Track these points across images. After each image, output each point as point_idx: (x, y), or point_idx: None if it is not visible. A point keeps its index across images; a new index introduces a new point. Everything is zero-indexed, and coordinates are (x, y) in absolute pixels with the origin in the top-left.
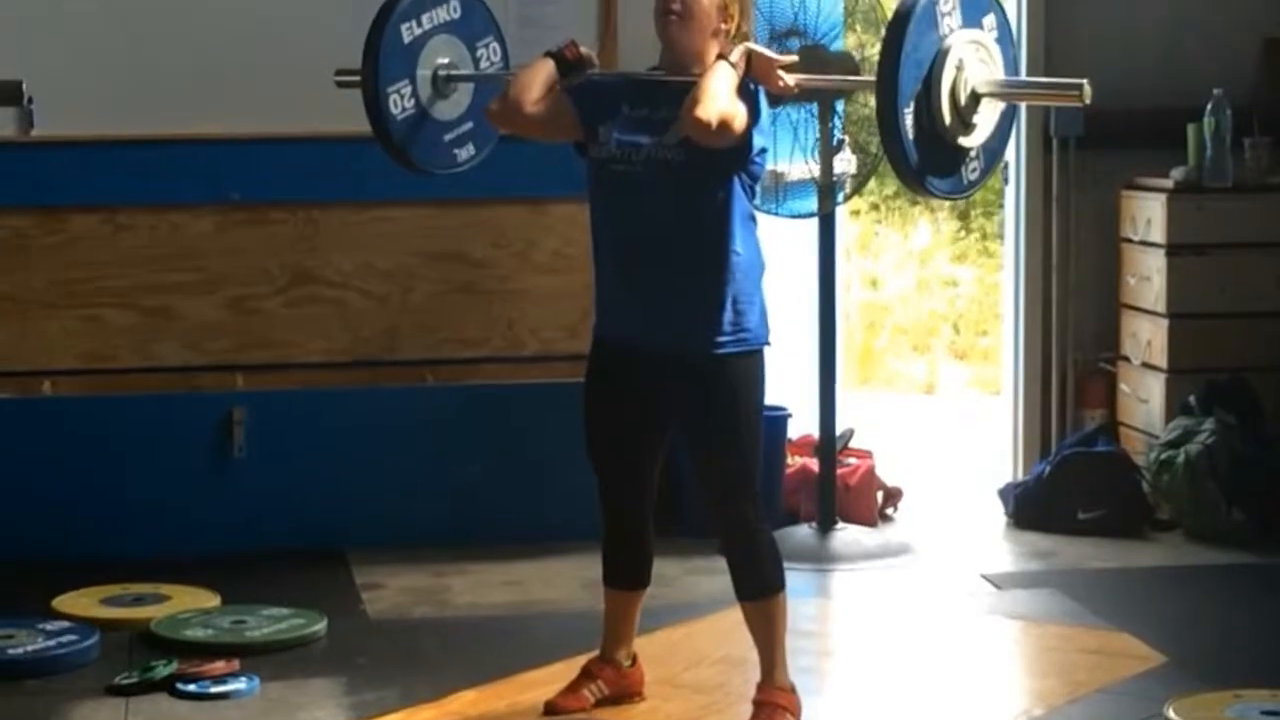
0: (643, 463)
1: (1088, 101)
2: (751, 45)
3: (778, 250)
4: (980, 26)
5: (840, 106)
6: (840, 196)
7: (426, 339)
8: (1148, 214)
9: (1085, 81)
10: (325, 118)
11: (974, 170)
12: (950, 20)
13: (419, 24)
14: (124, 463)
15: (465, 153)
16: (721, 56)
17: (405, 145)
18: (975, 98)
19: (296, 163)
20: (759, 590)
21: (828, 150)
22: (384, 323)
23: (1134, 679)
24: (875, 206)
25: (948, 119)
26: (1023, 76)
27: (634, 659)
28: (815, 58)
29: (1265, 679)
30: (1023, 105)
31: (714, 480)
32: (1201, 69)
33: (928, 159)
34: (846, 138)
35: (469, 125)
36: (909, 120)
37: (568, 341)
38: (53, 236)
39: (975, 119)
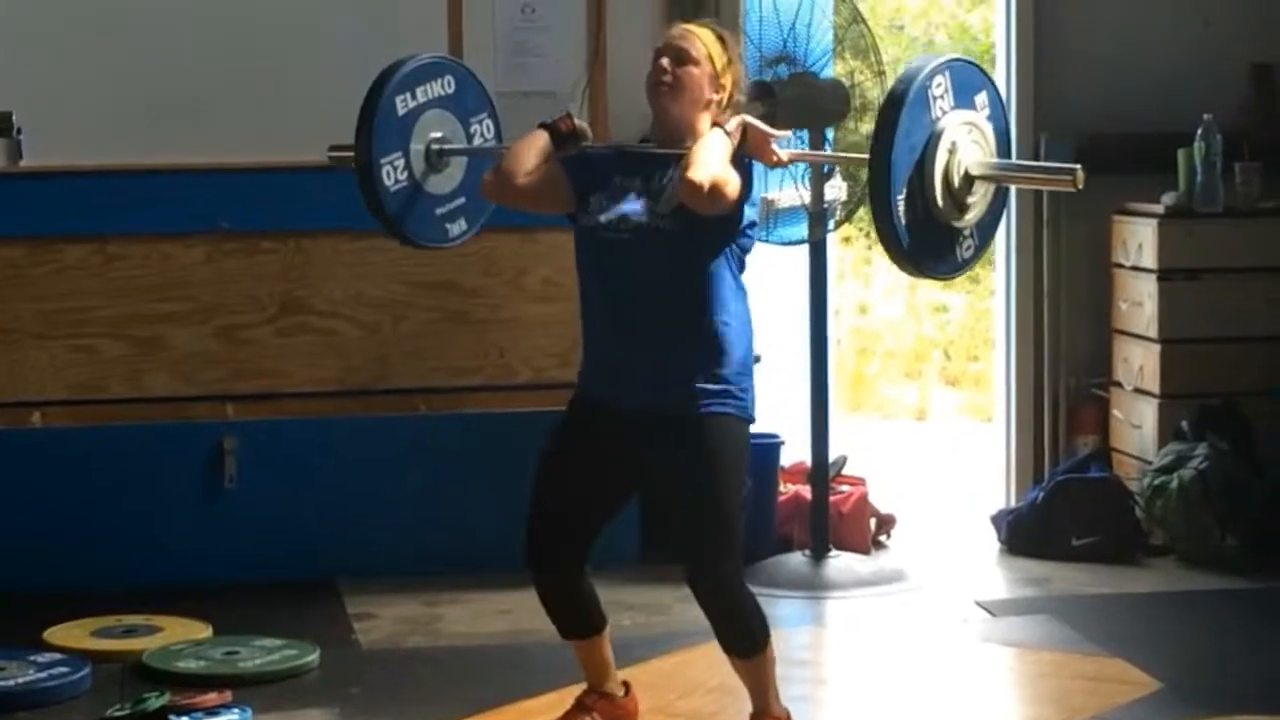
0: (592, 522)
1: (1080, 188)
2: (747, 118)
3: (769, 277)
4: (973, 105)
5: (831, 135)
6: (831, 224)
7: (418, 368)
8: (1139, 239)
9: (1079, 167)
10: (315, 148)
11: (968, 249)
12: (943, 103)
13: (413, 97)
14: (115, 493)
15: (457, 228)
16: (717, 125)
17: (397, 218)
18: (969, 179)
19: (286, 192)
20: (744, 649)
21: (819, 178)
22: (375, 352)
23: (1129, 705)
24: (866, 233)
25: (940, 202)
26: (1014, 159)
27: (627, 688)
28: (804, 85)
29: (1260, 705)
30: (1013, 126)
31: (692, 539)
32: (1191, 95)
33: (921, 242)
34: (837, 166)
35: (461, 200)
36: (902, 207)
37: (559, 369)
38: (43, 267)
39: (969, 200)
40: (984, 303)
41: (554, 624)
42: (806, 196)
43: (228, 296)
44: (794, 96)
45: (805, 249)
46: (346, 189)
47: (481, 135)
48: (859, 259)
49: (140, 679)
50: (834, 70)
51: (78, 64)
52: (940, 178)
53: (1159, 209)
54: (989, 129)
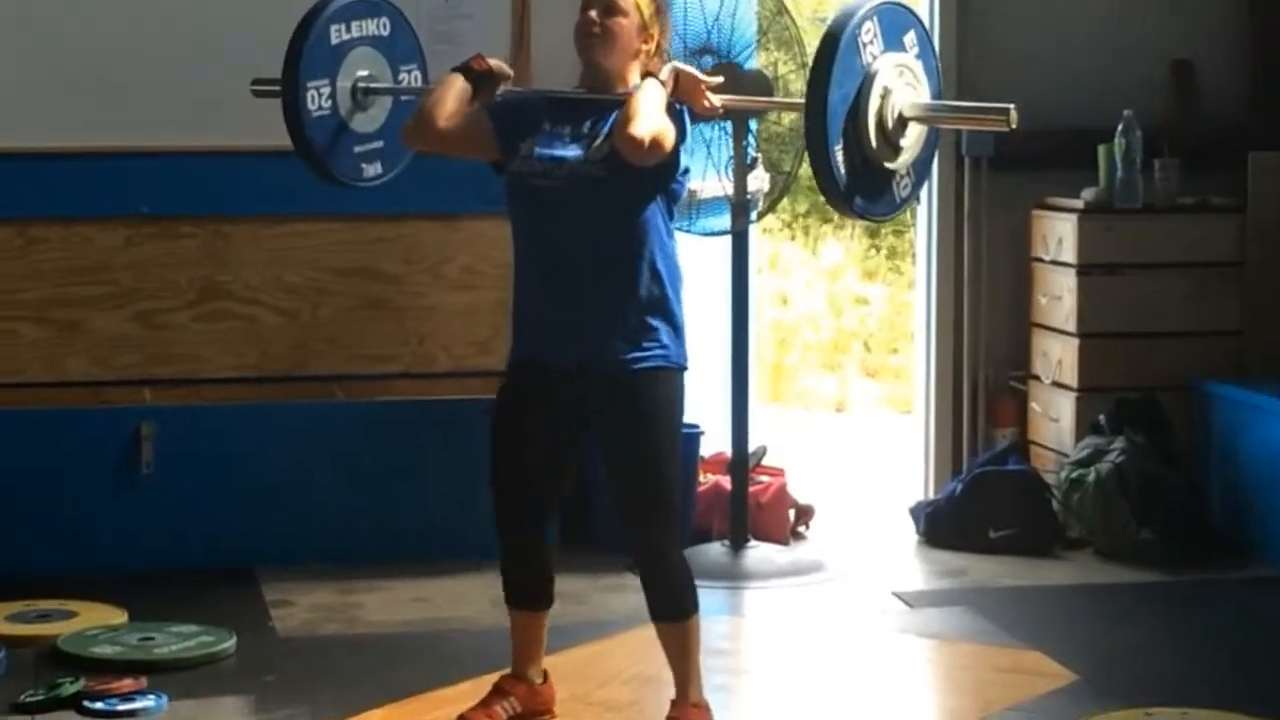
0: (551, 481)
1: (1014, 126)
2: (679, 65)
3: (690, 268)
4: (902, 46)
5: (754, 125)
6: (753, 214)
7: (337, 355)
8: (1059, 234)
9: (1011, 106)
10: (237, 132)
11: (905, 187)
12: (872, 48)
13: (348, 29)
14: (31, 478)
15: (372, 169)
16: (650, 74)
17: (316, 145)
18: (902, 121)
19: (207, 177)
20: (673, 612)
21: (741, 168)
22: (294, 338)
23: (1045, 697)
24: (788, 225)
25: (874, 144)
26: (948, 101)
27: (545, 676)
28: (728, 76)
29: (1175, 697)
30: None
31: (630, 501)
32: (1112, 91)
33: (858, 186)
34: (760, 156)
35: (380, 143)
36: (840, 156)
37: (479, 358)
38: None
39: (903, 142)
40: (904, 295)
41: (506, 591)
42: (729, 187)
43: (147, 281)
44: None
45: (727, 240)
46: (267, 174)
47: (409, 84)
48: (778, 250)
49: (54, 664)
50: (758, 62)
51: None
52: (874, 122)
53: (1079, 204)
54: (919, 67)
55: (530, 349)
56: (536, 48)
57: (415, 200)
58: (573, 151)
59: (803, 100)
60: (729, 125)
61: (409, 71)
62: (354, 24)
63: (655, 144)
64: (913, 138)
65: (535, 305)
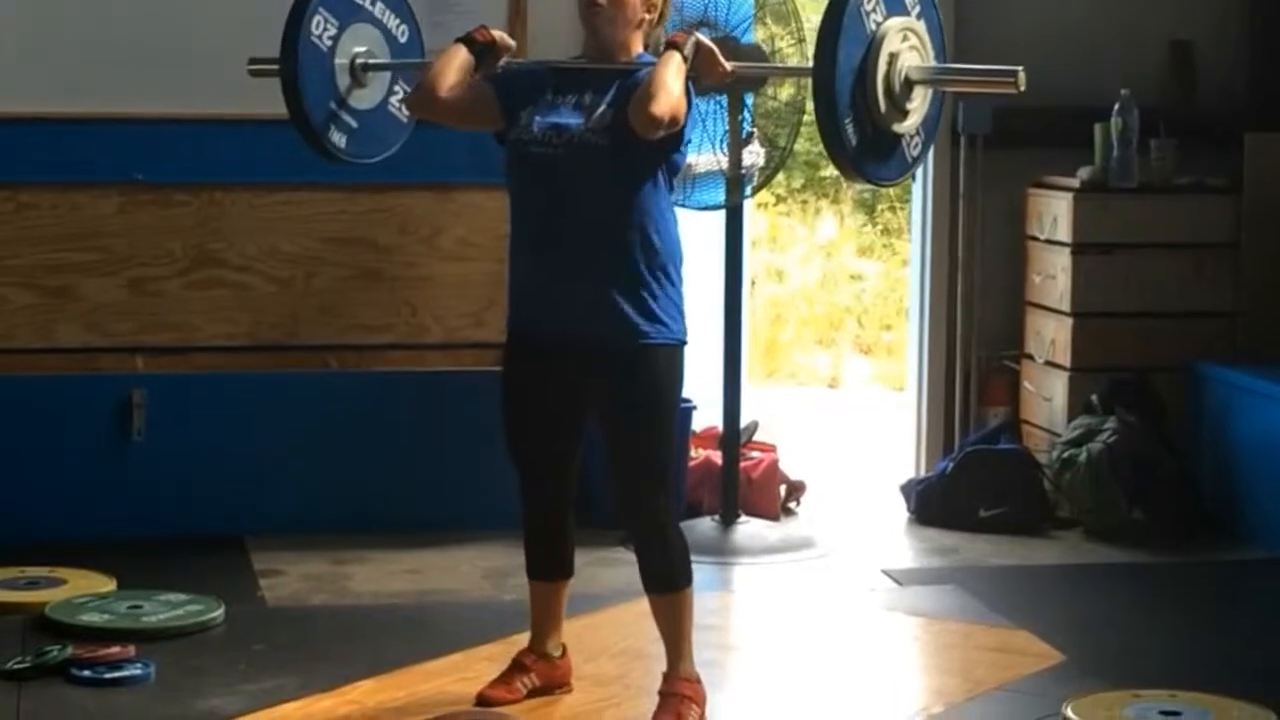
0: (564, 453)
1: (1022, 89)
2: (700, 37)
3: (684, 242)
4: (904, 8)
5: (750, 100)
6: (748, 189)
7: (330, 324)
8: (1054, 213)
9: (1020, 69)
10: (231, 100)
11: (915, 146)
12: (875, 16)
13: (373, 3)
14: (22, 444)
15: (338, 138)
16: (674, 45)
17: (301, 69)
18: (908, 85)
19: (201, 144)
20: (667, 584)
21: (736, 143)
22: (287, 307)
23: (1033, 677)
24: (782, 199)
25: (883, 109)
26: (955, 65)
27: (564, 650)
28: (725, 50)
29: (1163, 679)
30: None
31: (627, 472)
32: (1109, 70)
33: (869, 153)
34: (755, 130)
35: (355, 124)
36: (850, 127)
37: (472, 329)
38: None
39: (909, 105)
40: (899, 272)
41: (528, 561)
42: (724, 161)
43: (140, 248)
44: None
45: (721, 214)
46: (263, 143)
47: (404, 93)
48: (773, 225)
49: (42, 631)
50: (755, 36)
51: None
52: (881, 89)
53: (1075, 183)
54: (922, 27)
55: (525, 319)
56: (534, 19)
57: (410, 171)
58: (574, 120)
59: (811, 66)
60: (724, 99)
61: (402, 86)
62: (380, 4)
63: (673, 121)
64: (919, 100)
65: (531, 275)
